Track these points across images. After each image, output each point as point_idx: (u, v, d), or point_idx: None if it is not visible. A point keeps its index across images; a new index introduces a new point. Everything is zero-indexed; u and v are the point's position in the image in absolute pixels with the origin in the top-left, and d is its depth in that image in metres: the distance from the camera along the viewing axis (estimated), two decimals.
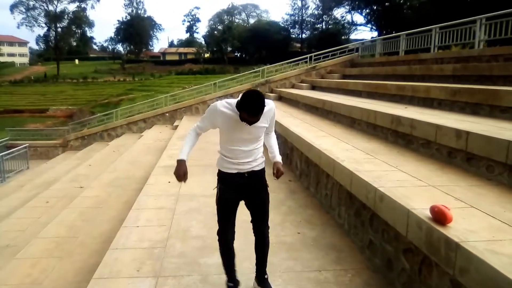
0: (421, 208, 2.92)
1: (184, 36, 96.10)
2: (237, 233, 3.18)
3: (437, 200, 3.05)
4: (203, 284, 3.43)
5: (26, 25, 68.27)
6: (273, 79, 16.61)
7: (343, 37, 55.03)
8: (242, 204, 3.15)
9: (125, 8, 79.88)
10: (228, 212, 3.10)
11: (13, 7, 65.98)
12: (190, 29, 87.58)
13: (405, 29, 13.52)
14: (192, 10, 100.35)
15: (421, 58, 10.99)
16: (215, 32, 68.62)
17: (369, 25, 51.59)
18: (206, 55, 72.52)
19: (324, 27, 61.50)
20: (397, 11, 41.53)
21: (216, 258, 3.79)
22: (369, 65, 14.45)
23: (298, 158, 6.74)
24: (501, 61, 7.88)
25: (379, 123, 6.04)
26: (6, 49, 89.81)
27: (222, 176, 3.07)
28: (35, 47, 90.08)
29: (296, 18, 65.68)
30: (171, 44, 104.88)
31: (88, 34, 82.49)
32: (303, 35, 65.64)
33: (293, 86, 15.98)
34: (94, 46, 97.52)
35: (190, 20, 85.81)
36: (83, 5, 69.20)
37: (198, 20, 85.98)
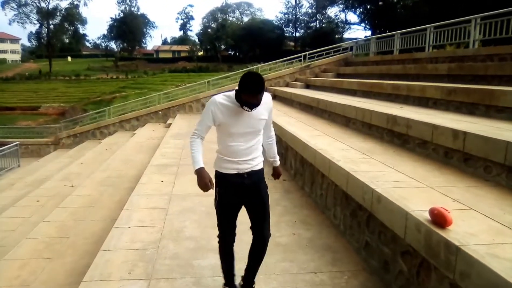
0: (419, 210, 2.87)
1: (178, 33, 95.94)
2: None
3: (435, 201, 3.00)
4: (196, 287, 3.35)
5: (18, 22, 67.80)
6: (267, 77, 16.51)
7: (336, 36, 55.11)
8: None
9: (118, 5, 79.30)
10: (229, 216, 3.00)
11: (4, 4, 65.50)
12: (183, 27, 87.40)
13: (399, 28, 13.51)
14: (186, 8, 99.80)
15: (416, 57, 10.96)
16: (209, 30, 68.41)
17: (362, 24, 51.84)
18: (200, 53, 72.29)
19: (318, 25, 61.61)
20: (390, 10, 41.68)
21: (210, 260, 3.75)
22: (363, 64, 14.42)
23: (292, 158, 6.67)
24: (496, 61, 7.86)
25: (375, 122, 5.99)
26: None
27: (221, 178, 2.94)
28: (27, 44, 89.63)
29: (290, 17, 65.73)
30: (164, 42, 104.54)
31: (81, 31, 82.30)
32: (297, 34, 65.70)
33: (287, 85, 15.92)
34: (87, 43, 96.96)
35: (183, 17, 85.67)
36: (75, 2, 68.93)
37: (191, 18, 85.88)
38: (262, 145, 3.06)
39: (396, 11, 41.27)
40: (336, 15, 58.03)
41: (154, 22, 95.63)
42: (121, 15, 76.43)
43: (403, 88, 7.68)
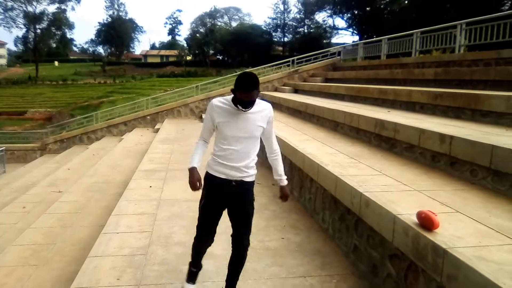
0: (407, 213, 2.89)
1: (166, 38, 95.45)
2: (221, 240, 3.09)
3: (423, 205, 3.03)
4: None
5: (4, 26, 67.15)
6: None
7: (324, 41, 55.39)
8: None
9: (106, 10, 79.31)
10: (209, 220, 3.03)
11: None
12: (172, 32, 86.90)
13: (386, 33, 13.67)
14: (174, 12, 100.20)
15: (403, 62, 11.09)
16: (197, 35, 68.28)
17: (350, 29, 52.25)
18: (188, 58, 72.10)
19: (306, 31, 61.82)
20: (378, 15, 42.12)
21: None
22: (351, 69, 14.53)
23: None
24: (481, 66, 7.99)
25: (363, 127, 6.03)
26: None
27: (209, 180, 2.95)
28: (13, 48, 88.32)
29: (279, 22, 65.82)
30: (152, 47, 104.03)
31: (68, 35, 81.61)
32: (285, 39, 65.83)
33: (275, 90, 15.97)
34: (74, 48, 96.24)
35: (172, 22, 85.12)
36: (63, 7, 68.19)
37: (180, 23, 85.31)
38: (268, 161, 3.10)
39: (383, 16, 41.72)
40: (324, 21, 58.40)
41: (142, 27, 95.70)
42: (109, 19, 76.00)
43: (390, 92, 7.76)
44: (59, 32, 73.75)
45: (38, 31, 66.87)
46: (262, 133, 2.93)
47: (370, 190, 3.49)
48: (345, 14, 50.42)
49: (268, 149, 3.11)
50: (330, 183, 4.24)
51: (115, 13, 76.93)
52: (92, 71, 65.01)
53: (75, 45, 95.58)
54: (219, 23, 72.15)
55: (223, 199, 2.94)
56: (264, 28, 65.20)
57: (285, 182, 3.18)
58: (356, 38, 47.63)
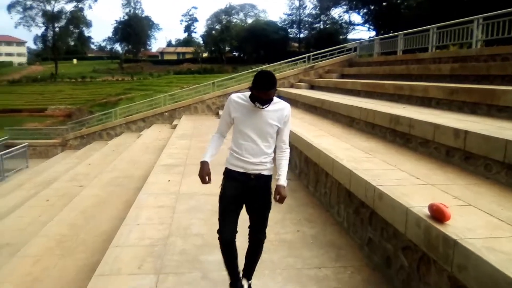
0: (419, 206, 2.96)
1: (182, 35, 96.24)
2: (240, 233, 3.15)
3: (435, 198, 3.08)
4: (204, 281, 3.47)
5: (23, 25, 68.32)
6: None
7: (340, 37, 55.03)
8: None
9: (123, 8, 79.66)
10: (229, 210, 3.05)
11: (10, 7, 65.97)
12: (188, 29, 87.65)
13: (403, 29, 13.58)
14: (190, 10, 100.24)
15: (419, 57, 11.04)
16: (213, 31, 68.60)
17: (366, 25, 51.85)
18: (204, 55, 72.49)
19: (321, 26, 61.53)
20: (394, 10, 41.64)
21: (217, 256, 3.81)
22: (367, 64, 14.50)
23: (297, 157, 6.77)
24: (498, 61, 7.93)
25: (378, 122, 6.08)
26: (4, 48, 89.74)
27: (228, 174, 3.03)
28: (33, 46, 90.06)
29: (294, 18, 65.67)
30: (169, 44, 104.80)
31: (86, 33, 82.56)
32: (301, 35, 65.65)
33: (291, 86, 16.02)
34: (92, 46, 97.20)
35: (188, 19, 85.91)
36: (80, 5, 69.21)
37: (196, 20, 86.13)
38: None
39: (400, 11, 41.20)
40: (340, 16, 58.00)
41: (158, 24, 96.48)
42: (126, 17, 76.80)
43: (406, 88, 7.77)
44: (76, 30, 74.91)
45: (57, 29, 68.09)
46: (276, 131, 2.97)
47: (383, 184, 3.56)
48: (361, 10, 50.02)
49: (278, 146, 3.09)
50: (344, 177, 4.32)
51: (132, 10, 77.81)
52: (110, 69, 65.80)
53: (93, 43, 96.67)
54: (234, 20, 72.36)
55: (241, 192, 3.00)
56: (280, 25, 65.11)
57: (282, 182, 2.97)
58: (373, 33, 47.26)
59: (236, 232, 3.09)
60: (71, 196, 7.77)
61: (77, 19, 69.89)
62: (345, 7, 53.39)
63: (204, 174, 3.00)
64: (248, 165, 2.94)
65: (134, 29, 73.85)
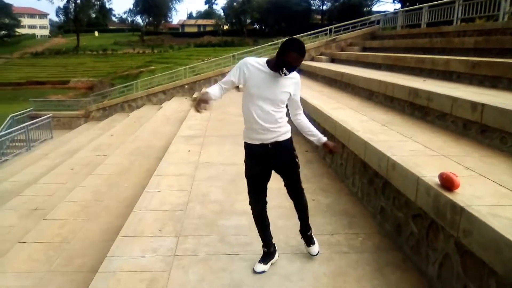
0: (430, 175, 3.03)
1: (203, 8, 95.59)
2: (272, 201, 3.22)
3: (447, 169, 3.12)
4: (221, 243, 3.65)
5: None
6: None
7: (365, 9, 53.93)
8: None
9: None
10: (256, 186, 3.17)
11: None
12: (209, 1, 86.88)
13: (428, 1, 13.25)
14: None
15: (443, 30, 10.81)
16: (234, 3, 67.75)
17: None
18: (225, 27, 71.96)
19: None
20: None
21: (233, 221, 4.03)
22: (390, 37, 14.26)
23: None
24: None
25: (397, 95, 6.07)
26: (26, 21, 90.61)
27: (247, 149, 3.11)
28: (55, 19, 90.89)
29: None
30: (189, 16, 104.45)
31: (107, 5, 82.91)
32: (324, 7, 64.40)
33: (312, 59, 15.89)
34: (113, 18, 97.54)
35: None
36: None
37: None
38: (294, 124, 3.20)
39: None
40: None
41: None
42: None
43: (427, 61, 7.68)
44: (98, 2, 75.19)
45: (78, 1, 68.28)
46: (289, 98, 3.02)
47: (397, 154, 3.63)
48: None
49: (294, 113, 3.19)
50: (360, 148, 4.40)
51: None
52: (131, 41, 66.06)
53: (114, 15, 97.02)
54: None
55: (264, 164, 3.08)
56: None
57: (325, 138, 3.23)
58: (398, 6, 45.95)
59: (266, 203, 3.24)
60: (94, 165, 8.05)
61: None
62: None
63: (201, 101, 2.86)
64: (262, 136, 2.98)
65: (154, 1, 73.48)
